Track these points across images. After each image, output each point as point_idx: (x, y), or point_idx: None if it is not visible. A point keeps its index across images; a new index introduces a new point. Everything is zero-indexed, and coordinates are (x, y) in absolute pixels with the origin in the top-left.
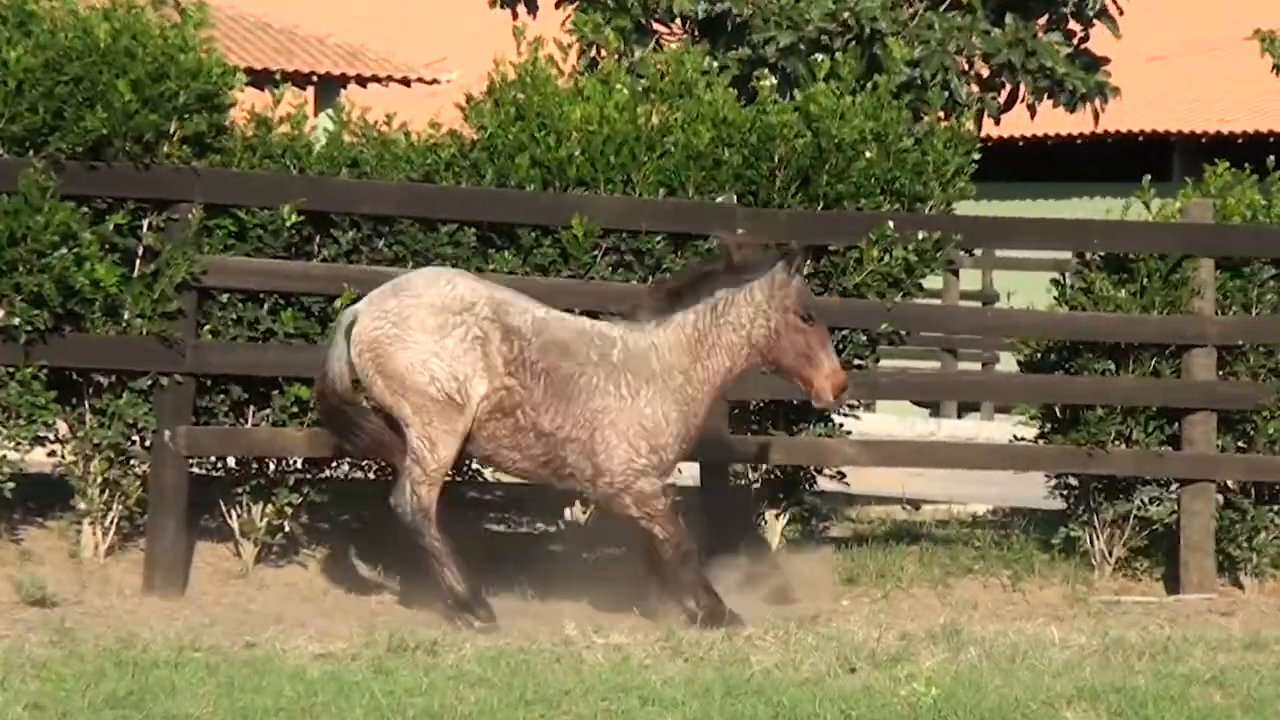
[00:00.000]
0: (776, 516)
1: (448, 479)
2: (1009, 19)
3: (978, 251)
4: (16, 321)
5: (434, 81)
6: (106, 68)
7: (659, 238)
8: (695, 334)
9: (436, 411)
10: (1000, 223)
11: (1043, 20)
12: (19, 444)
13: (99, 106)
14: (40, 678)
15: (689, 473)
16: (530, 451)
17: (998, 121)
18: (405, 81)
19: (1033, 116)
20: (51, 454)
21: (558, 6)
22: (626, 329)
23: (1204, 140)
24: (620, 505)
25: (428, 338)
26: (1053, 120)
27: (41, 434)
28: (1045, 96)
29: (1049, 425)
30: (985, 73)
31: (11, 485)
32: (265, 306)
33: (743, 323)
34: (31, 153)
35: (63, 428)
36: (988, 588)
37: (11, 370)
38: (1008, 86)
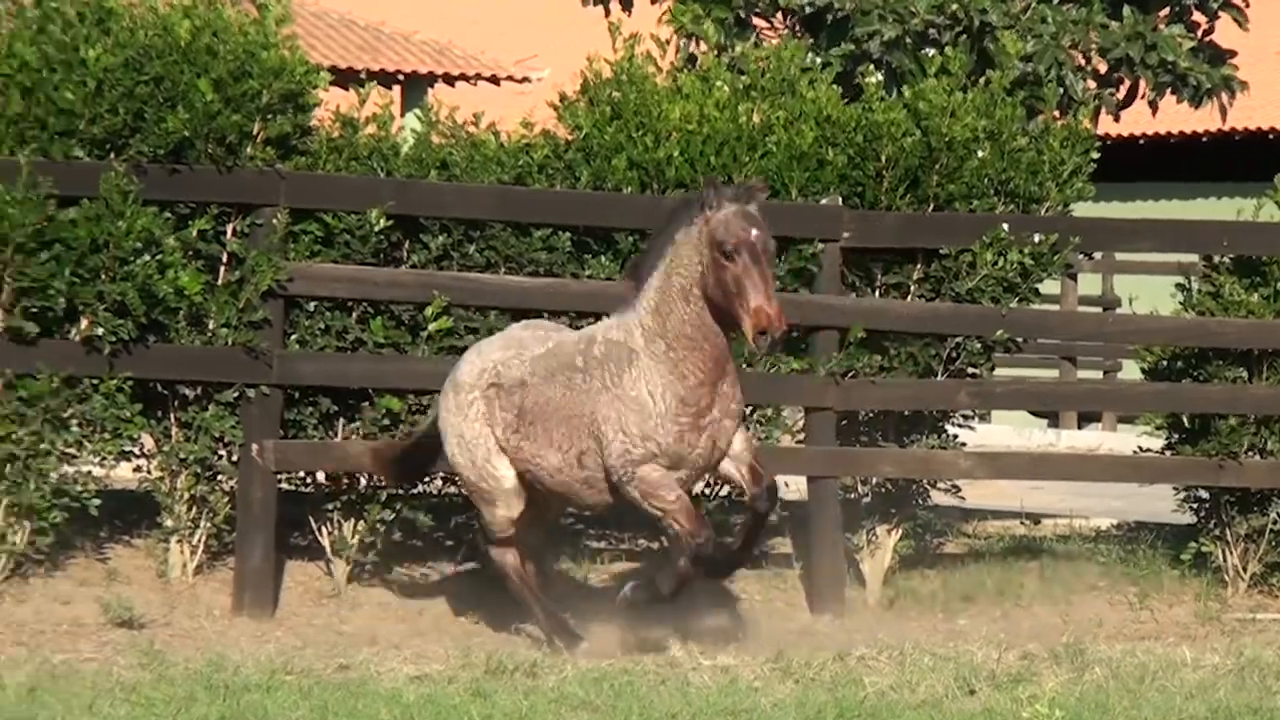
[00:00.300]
0: (888, 532)
1: None
2: (1127, 11)
3: (1097, 255)
4: (100, 331)
5: (524, 80)
6: (187, 66)
7: None
8: (659, 295)
9: (479, 494)
10: (1121, 224)
11: (1164, 12)
12: (104, 459)
13: (180, 107)
14: (130, 701)
15: (796, 486)
16: (565, 479)
17: (1117, 118)
18: (494, 80)
19: (1154, 113)
20: (137, 469)
21: (654, 2)
22: (615, 316)
23: None
24: (631, 499)
25: (454, 419)
26: (1176, 117)
27: (127, 449)
28: (1167, 92)
29: (1176, 436)
30: (1102, 68)
31: (97, 502)
32: (354, 315)
33: (683, 264)
34: (112, 155)
35: (148, 442)
36: (1113, 605)
37: (96, 382)
38: (1126, 82)
